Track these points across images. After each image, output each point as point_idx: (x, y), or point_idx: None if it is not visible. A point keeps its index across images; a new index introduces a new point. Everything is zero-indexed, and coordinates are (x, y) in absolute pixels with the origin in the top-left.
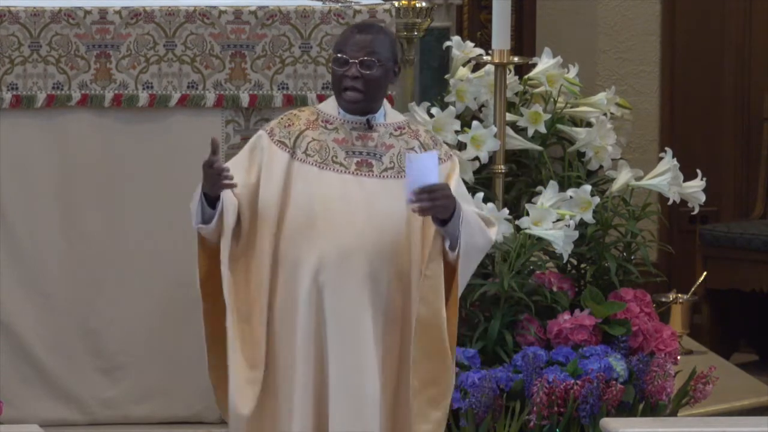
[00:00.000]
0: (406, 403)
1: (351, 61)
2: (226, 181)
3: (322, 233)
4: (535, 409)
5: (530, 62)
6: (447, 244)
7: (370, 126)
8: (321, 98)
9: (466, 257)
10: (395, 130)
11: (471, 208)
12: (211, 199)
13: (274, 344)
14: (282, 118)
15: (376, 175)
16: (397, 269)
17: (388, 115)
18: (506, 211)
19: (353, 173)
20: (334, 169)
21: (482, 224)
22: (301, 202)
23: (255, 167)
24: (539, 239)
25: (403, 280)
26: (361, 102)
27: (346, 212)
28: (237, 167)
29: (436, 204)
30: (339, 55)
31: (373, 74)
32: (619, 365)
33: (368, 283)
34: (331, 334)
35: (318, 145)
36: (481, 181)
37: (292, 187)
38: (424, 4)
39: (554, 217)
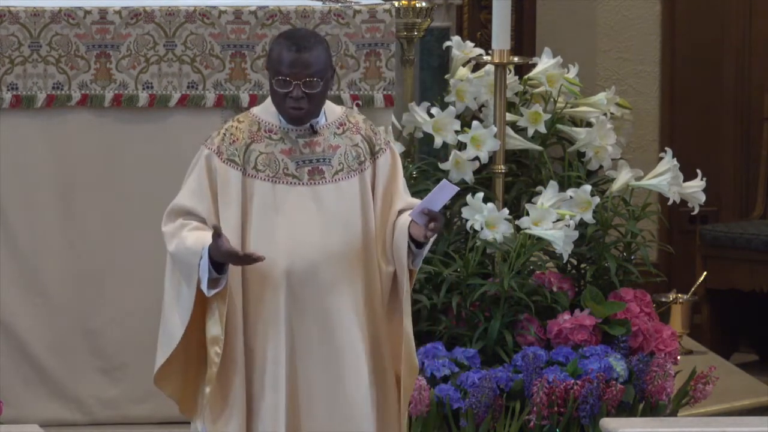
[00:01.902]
0: (382, 404)
1: (294, 82)
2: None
3: (285, 248)
4: (535, 409)
5: (530, 62)
6: (411, 259)
7: (314, 131)
8: None
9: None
10: (338, 128)
11: (408, 198)
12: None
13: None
14: (225, 134)
15: (329, 181)
16: (364, 270)
17: (327, 113)
18: (506, 211)
19: (307, 184)
20: (287, 182)
21: None
22: (260, 220)
23: (213, 192)
24: (539, 239)
25: (371, 277)
26: (306, 117)
27: (306, 225)
28: (199, 195)
29: (434, 231)
30: (280, 77)
31: (317, 92)
32: (619, 365)
33: (339, 291)
34: (306, 347)
35: (266, 158)
36: (481, 181)
37: (248, 204)
38: (424, 4)
39: (554, 217)
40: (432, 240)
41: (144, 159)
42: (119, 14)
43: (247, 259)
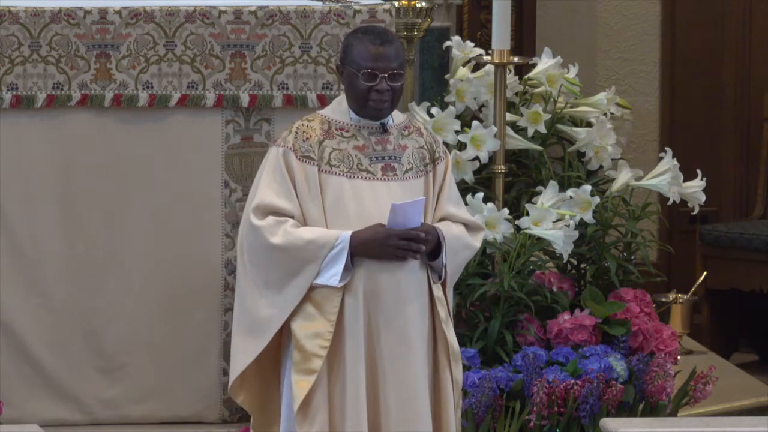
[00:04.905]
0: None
1: (381, 75)
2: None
3: None
4: (535, 409)
5: (530, 62)
6: (433, 276)
7: (385, 129)
8: (321, 98)
9: (451, 278)
10: (404, 129)
11: (460, 213)
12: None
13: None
14: (297, 132)
15: (400, 178)
16: (427, 263)
17: (393, 115)
18: (506, 211)
19: (381, 179)
20: (362, 177)
21: (466, 239)
22: (336, 214)
23: (295, 189)
24: (539, 239)
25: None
26: (387, 111)
27: (380, 219)
28: (286, 195)
29: (414, 249)
30: (366, 70)
31: (399, 85)
32: (619, 365)
33: (409, 283)
34: (382, 338)
35: (340, 154)
36: (481, 181)
37: (323, 199)
38: (424, 4)
39: (554, 217)
40: (443, 256)
41: (144, 159)
42: (119, 14)
43: (413, 240)
